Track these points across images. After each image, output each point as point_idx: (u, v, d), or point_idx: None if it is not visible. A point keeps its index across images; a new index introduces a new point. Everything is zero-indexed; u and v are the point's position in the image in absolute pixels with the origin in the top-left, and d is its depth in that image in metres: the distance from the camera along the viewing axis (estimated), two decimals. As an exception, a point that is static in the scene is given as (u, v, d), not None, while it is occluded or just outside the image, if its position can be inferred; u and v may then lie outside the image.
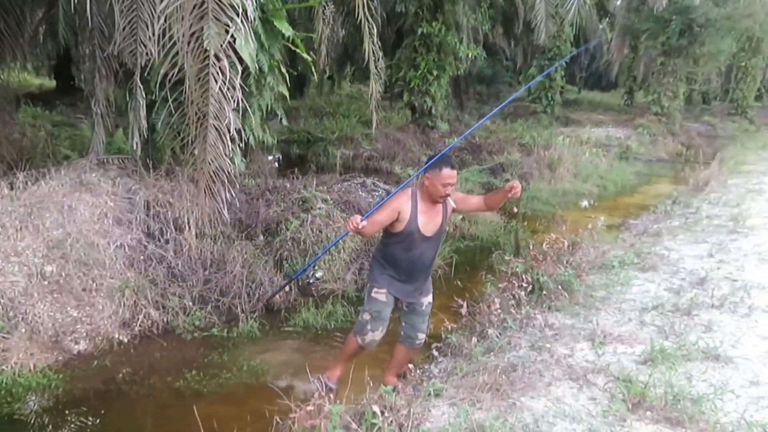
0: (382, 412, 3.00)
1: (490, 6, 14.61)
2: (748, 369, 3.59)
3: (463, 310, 4.62)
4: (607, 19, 23.88)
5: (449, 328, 4.37)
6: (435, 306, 5.08)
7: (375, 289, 3.59)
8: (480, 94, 26.46)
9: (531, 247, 5.83)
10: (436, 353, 4.10)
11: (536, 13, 13.85)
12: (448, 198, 3.48)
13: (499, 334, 4.20)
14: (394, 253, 3.56)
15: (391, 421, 2.96)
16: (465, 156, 12.08)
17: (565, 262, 5.42)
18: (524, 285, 4.84)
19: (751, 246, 6.35)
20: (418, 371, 3.93)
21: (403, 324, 3.75)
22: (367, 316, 3.59)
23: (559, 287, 4.84)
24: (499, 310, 4.45)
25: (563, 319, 4.44)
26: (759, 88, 28.45)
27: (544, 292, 4.84)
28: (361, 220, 3.24)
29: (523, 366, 3.60)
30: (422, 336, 3.75)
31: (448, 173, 3.39)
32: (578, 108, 24.52)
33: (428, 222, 3.49)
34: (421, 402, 3.28)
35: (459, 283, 5.75)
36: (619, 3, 22.49)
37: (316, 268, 3.56)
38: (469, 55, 13.44)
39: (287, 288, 5.32)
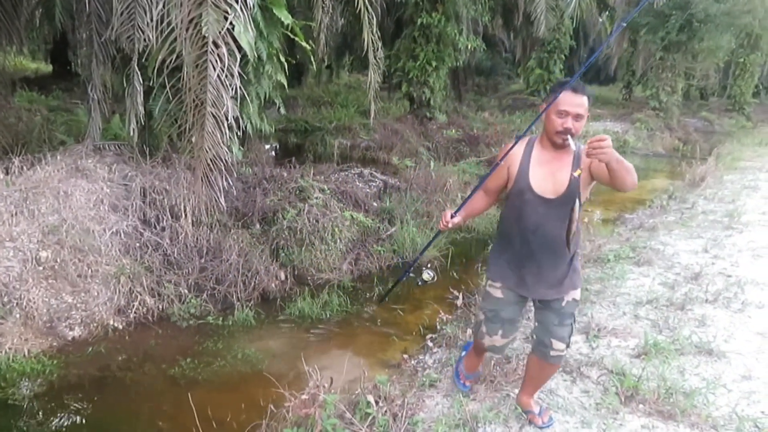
0: (377, 402, 3.02)
1: (490, -3, 14.53)
2: (741, 364, 3.62)
3: (459, 302, 4.64)
4: (607, 12, 23.76)
5: (444, 319, 4.38)
6: (430, 297, 5.15)
7: (489, 282, 2.85)
8: (479, 86, 26.41)
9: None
10: (430, 344, 4.13)
11: (536, 5, 13.81)
12: (573, 141, 2.47)
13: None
14: (506, 227, 2.76)
15: (386, 411, 2.97)
16: (462, 148, 12.06)
17: (560, 256, 5.42)
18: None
19: (745, 242, 6.38)
20: (412, 361, 3.95)
21: (535, 325, 2.85)
22: (481, 316, 2.90)
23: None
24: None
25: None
26: (757, 84, 28.43)
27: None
28: (452, 216, 2.71)
29: (517, 358, 3.62)
30: (560, 345, 2.72)
31: (569, 98, 2.44)
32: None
33: (546, 177, 2.56)
34: (415, 392, 3.29)
35: (455, 274, 5.76)
36: (619, -4, 22.37)
37: (424, 269, 3.10)
38: (469, 47, 13.39)
39: (283, 277, 5.32)
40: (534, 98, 19.96)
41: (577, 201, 2.42)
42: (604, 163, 2.24)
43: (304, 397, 2.97)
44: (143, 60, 5.41)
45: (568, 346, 2.75)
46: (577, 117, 2.44)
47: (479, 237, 7.11)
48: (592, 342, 3.89)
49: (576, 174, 2.47)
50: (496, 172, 2.69)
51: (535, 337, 2.84)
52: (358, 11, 7.60)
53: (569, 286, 2.68)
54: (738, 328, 4.16)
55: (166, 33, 4.85)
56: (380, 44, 8.04)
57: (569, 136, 2.44)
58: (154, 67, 5.06)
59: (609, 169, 2.25)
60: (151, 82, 5.40)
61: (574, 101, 2.44)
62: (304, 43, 6.42)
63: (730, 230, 6.89)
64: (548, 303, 2.71)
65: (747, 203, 8.37)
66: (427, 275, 3.04)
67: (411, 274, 3.03)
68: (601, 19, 25.28)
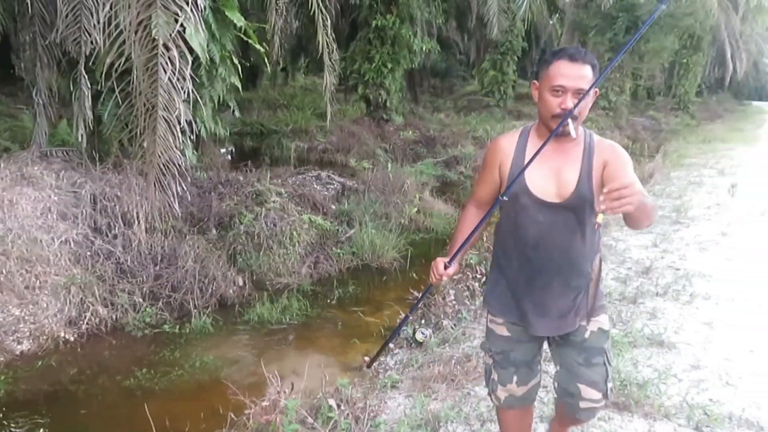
0: (339, 406, 3.01)
1: (443, 0, 14.69)
2: (690, 354, 3.75)
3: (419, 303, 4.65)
4: (557, 15, 24.34)
5: (405, 320, 4.39)
6: (390, 298, 5.16)
7: (489, 317, 2.19)
8: (434, 88, 26.62)
9: (485, 239, 5.91)
10: (391, 345, 4.13)
11: (489, 7, 14.01)
12: (574, 126, 1.85)
13: (454, 325, 4.25)
14: (500, 245, 2.13)
15: (348, 414, 2.96)
16: (419, 149, 12.15)
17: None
18: (478, 276, 4.92)
19: (692, 236, 6.62)
20: (374, 363, 3.94)
21: (557, 369, 2.19)
22: (488, 360, 2.20)
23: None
24: (454, 302, 4.51)
25: (516, 310, 4.52)
26: (699, 84, 29.61)
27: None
28: (446, 267, 2.00)
29: (477, 356, 3.65)
30: (592, 393, 2.05)
31: (565, 68, 1.83)
32: (530, 102, 24.90)
33: (548, 176, 1.93)
34: (377, 394, 3.30)
35: (414, 275, 5.79)
36: (568, 0, 22.95)
37: (418, 328, 2.29)
38: (423, 49, 13.49)
39: (241, 282, 5.25)
40: (489, 99, 20.25)
41: (590, 204, 1.91)
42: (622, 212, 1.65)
43: (264, 403, 2.93)
44: (91, 63, 5.26)
45: (606, 396, 2.07)
46: (578, 93, 1.82)
47: (438, 237, 7.16)
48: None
49: (597, 220, 1.85)
50: (485, 174, 2.10)
51: (557, 384, 2.17)
52: (312, 13, 7.57)
53: (590, 312, 2.02)
54: (686, 319, 4.31)
55: (114, 35, 4.73)
56: (335, 46, 8.04)
57: (570, 120, 1.81)
58: (103, 71, 4.93)
59: (632, 214, 1.71)
60: (100, 85, 5.25)
61: (572, 72, 1.82)
62: (258, 46, 6.35)
63: (677, 225, 7.14)
64: (566, 336, 2.07)
65: (693, 198, 8.70)
66: (420, 335, 2.31)
67: (404, 331, 2.38)
68: (551, 21, 25.87)
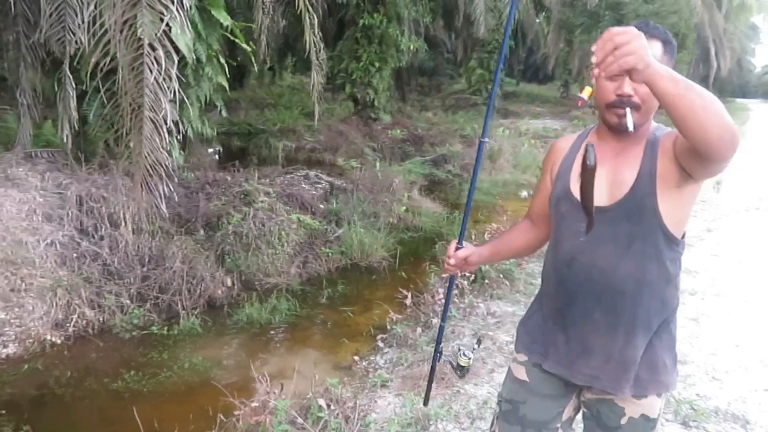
0: (328, 405, 3.00)
1: (430, -1, 14.72)
2: (677, 349, 3.78)
3: (408, 301, 4.67)
4: (544, 13, 24.46)
5: (394, 319, 4.40)
6: (380, 298, 5.16)
7: (513, 356, 1.78)
8: (422, 86, 26.68)
9: (473, 236, 5.93)
10: (381, 344, 4.14)
11: (476, 6, 14.07)
12: (632, 118, 1.41)
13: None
14: (545, 261, 1.72)
15: (338, 414, 2.96)
16: (407, 148, 12.17)
17: (506, 252, 5.53)
18: (467, 274, 4.93)
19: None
20: (363, 362, 3.95)
21: None
22: (496, 408, 1.80)
23: (501, 276, 4.96)
24: (443, 300, 4.51)
25: (505, 307, 4.55)
26: (685, 81, 29.85)
27: (486, 281, 4.93)
28: (457, 248, 1.77)
29: (482, 360, 3.67)
30: None
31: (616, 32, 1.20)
32: (517, 100, 25.09)
33: (601, 178, 1.44)
34: (367, 393, 3.30)
35: (403, 274, 5.79)
36: (554, -2, 23.07)
37: (460, 350, 1.87)
38: (411, 48, 13.52)
39: (230, 283, 5.23)
40: (476, 97, 20.33)
41: (652, 212, 1.44)
42: (636, 81, 1.20)
43: (254, 404, 2.92)
44: (75, 63, 5.21)
45: None
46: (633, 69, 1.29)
47: (426, 236, 7.17)
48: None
49: (582, 94, 1.34)
50: (539, 182, 1.77)
51: None
52: (299, 12, 7.54)
53: (645, 381, 1.52)
54: (674, 315, 4.34)
55: (99, 35, 4.68)
56: (323, 45, 8.01)
57: (628, 110, 1.42)
58: (88, 71, 4.88)
59: (658, 97, 1.20)
60: (85, 86, 5.21)
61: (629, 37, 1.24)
62: (244, 45, 6.33)
63: (664, 222, 7.19)
64: (598, 407, 1.59)
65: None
66: (464, 359, 1.88)
67: (446, 358, 1.93)
68: (538, 20, 26.00)
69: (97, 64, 4.68)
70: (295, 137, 12.82)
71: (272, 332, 4.68)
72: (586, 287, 1.52)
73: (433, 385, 3.28)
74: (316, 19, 7.74)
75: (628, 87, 1.42)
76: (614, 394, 1.52)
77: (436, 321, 4.27)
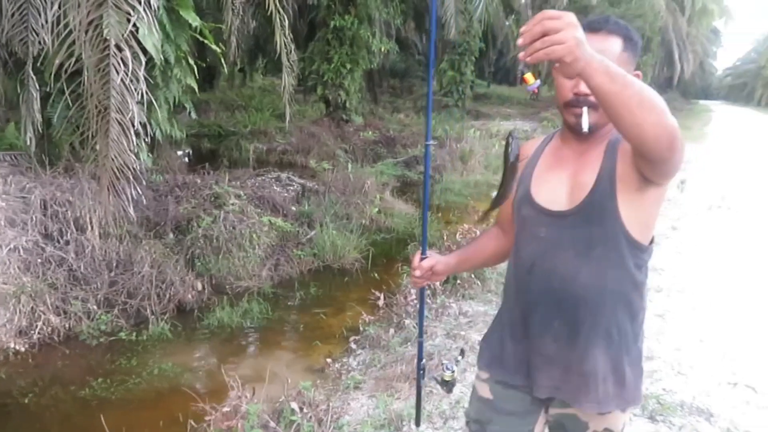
0: (301, 409, 2.99)
1: (401, 1, 14.76)
2: (644, 345, 3.85)
3: (381, 302, 4.68)
4: (513, 16, 24.73)
5: (367, 320, 4.40)
6: (352, 299, 5.16)
7: (476, 371, 1.71)
8: (393, 88, 26.74)
9: (445, 237, 5.97)
10: (354, 346, 4.14)
11: (446, 9, 14.14)
12: (588, 118, 1.37)
13: (416, 324, 4.28)
14: (507, 268, 1.66)
15: (310, 417, 2.95)
16: (380, 149, 12.18)
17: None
18: (439, 275, 4.95)
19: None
20: (336, 365, 3.94)
21: None
22: (465, 428, 1.73)
23: (472, 276, 5.00)
24: (415, 301, 4.53)
25: (476, 307, 4.59)
26: (650, 83, 30.46)
27: (458, 282, 4.97)
28: (421, 259, 1.68)
29: (439, 354, 3.69)
30: None
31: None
32: (488, 102, 25.34)
33: (561, 182, 1.46)
34: (340, 395, 3.29)
35: (376, 275, 5.79)
36: (523, 1, 23.36)
37: (445, 364, 1.75)
38: (382, 49, 13.54)
39: (200, 287, 5.17)
40: (447, 99, 20.44)
41: (612, 216, 1.37)
42: (566, 75, 1.13)
43: (225, 409, 2.90)
44: (39, 64, 5.09)
45: None
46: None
47: (399, 237, 7.19)
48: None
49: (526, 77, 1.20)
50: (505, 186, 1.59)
51: None
52: (269, 13, 7.49)
53: (608, 395, 1.44)
54: (641, 312, 4.43)
55: (63, 35, 4.59)
56: (294, 47, 7.97)
57: (585, 110, 1.37)
58: (52, 72, 4.77)
59: (592, 93, 1.12)
60: (49, 87, 5.08)
61: (590, 45, 1.13)
62: (214, 46, 6.26)
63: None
64: (563, 421, 1.54)
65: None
66: (449, 373, 1.78)
67: (430, 375, 1.96)
68: (507, 23, 26.27)
69: (61, 65, 4.58)
70: (267, 139, 12.73)
71: (244, 336, 4.64)
72: (546, 294, 1.46)
73: (406, 385, 3.30)
74: (286, 21, 7.70)
75: (584, 85, 1.29)
76: (575, 407, 1.46)
77: (408, 321, 4.28)
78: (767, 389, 3.32)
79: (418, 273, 1.67)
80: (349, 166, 9.42)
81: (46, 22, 4.72)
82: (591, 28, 1.38)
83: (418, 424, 2.07)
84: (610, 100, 1.10)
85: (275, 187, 7.65)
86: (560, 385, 1.47)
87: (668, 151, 1.18)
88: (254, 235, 5.84)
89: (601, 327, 1.42)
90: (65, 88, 4.86)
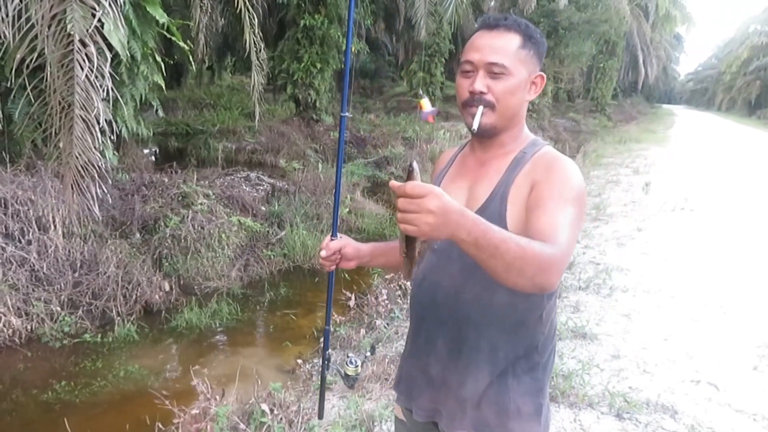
0: (271, 410, 2.96)
1: (371, 1, 14.76)
2: (611, 344, 3.94)
3: (351, 303, 4.66)
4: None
5: (338, 321, 4.39)
6: (323, 300, 5.11)
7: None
8: (363, 88, 26.71)
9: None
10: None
11: (416, 10, 14.18)
12: (480, 117, 1.30)
13: (387, 324, 4.28)
14: None
15: (281, 419, 2.93)
16: (350, 149, 12.15)
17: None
18: (410, 275, 4.96)
19: (611, 232, 6.96)
20: (307, 366, 3.91)
21: None
22: None
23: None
24: (387, 301, 4.54)
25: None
26: (615, 87, 31.25)
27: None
28: (331, 238, 1.61)
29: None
30: None
31: (479, 38, 1.33)
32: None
33: (460, 192, 1.40)
34: (310, 396, 3.27)
35: (346, 276, 5.77)
36: (492, 4, 23.58)
37: (348, 358, 1.66)
38: (352, 50, 13.52)
39: (168, 288, 5.08)
40: (417, 100, 20.51)
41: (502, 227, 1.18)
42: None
43: (194, 411, 2.85)
44: (-1, 59, 4.93)
45: None
46: (493, 69, 1.28)
47: (370, 237, 7.19)
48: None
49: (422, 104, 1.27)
50: None
51: None
52: (238, 11, 7.42)
53: (488, 425, 1.32)
54: (607, 311, 4.52)
55: (25, 30, 4.45)
56: (263, 45, 7.90)
57: (480, 108, 1.29)
58: (12, 67, 4.62)
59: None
60: (10, 82, 4.93)
61: (486, 42, 1.29)
62: (181, 43, 6.16)
63: (597, 222, 7.48)
64: None
65: (611, 196, 9.15)
66: (351, 368, 1.70)
67: (334, 366, 1.77)
68: (477, 25, 26.48)
69: (23, 60, 4.45)
70: (236, 138, 12.59)
71: (213, 337, 4.58)
72: (431, 310, 1.39)
73: (377, 386, 3.30)
74: (256, 19, 7.64)
75: (479, 83, 1.29)
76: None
77: (380, 322, 4.28)
78: (729, 387, 3.41)
79: (323, 253, 1.57)
80: (320, 166, 9.37)
81: (7, 15, 4.57)
82: (487, 24, 1.33)
83: (320, 416, 1.96)
84: (476, 261, 1.06)
85: (244, 187, 7.57)
86: (440, 408, 1.38)
87: (537, 291, 1.11)
88: (223, 235, 5.77)
89: (483, 350, 1.31)
90: (27, 84, 4.72)
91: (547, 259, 1.07)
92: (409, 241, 1.08)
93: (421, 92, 1.20)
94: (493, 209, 1.29)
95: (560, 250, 1.11)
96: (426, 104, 1.25)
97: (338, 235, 1.63)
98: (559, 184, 1.24)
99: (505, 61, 1.28)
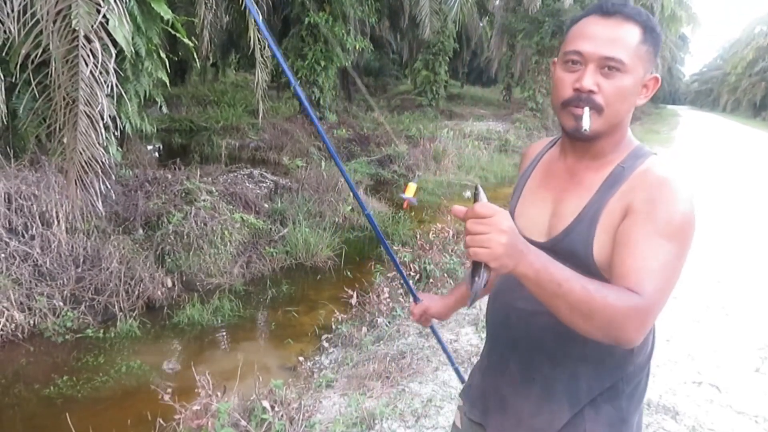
0: (272, 407, 2.97)
1: (376, -1, 14.75)
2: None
3: (353, 301, 4.67)
4: (487, 17, 24.93)
5: (339, 318, 4.39)
6: (325, 297, 5.14)
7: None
8: (368, 86, 26.69)
9: (418, 236, 5.99)
10: (326, 344, 4.12)
11: (421, 8, 14.20)
12: (589, 121, 1.09)
13: (389, 322, 4.29)
14: None
15: (282, 416, 2.93)
16: (353, 147, 12.16)
17: (450, 251, 5.62)
18: (412, 274, 4.97)
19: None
20: (308, 363, 3.92)
21: None
22: None
23: (445, 275, 5.02)
24: (388, 299, 4.54)
25: (449, 306, 4.61)
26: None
27: (431, 280, 4.99)
28: (415, 303, 1.66)
29: (411, 353, 3.70)
30: None
31: (591, 27, 1.12)
32: (461, 102, 25.47)
33: (545, 204, 1.24)
34: (312, 394, 3.28)
35: (349, 273, 5.78)
36: (498, 3, 23.55)
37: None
38: (356, 47, 13.51)
39: (170, 284, 5.09)
40: (421, 98, 20.51)
41: (586, 261, 1.11)
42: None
43: (195, 407, 2.85)
44: (4, 54, 4.94)
45: None
46: (608, 64, 1.09)
47: (372, 235, 7.19)
48: (482, 333, 4.06)
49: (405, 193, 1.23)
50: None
51: None
52: (243, 8, 7.42)
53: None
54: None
55: (30, 25, 4.46)
56: (267, 43, 7.90)
57: (586, 110, 1.10)
58: (17, 62, 4.64)
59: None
60: (14, 78, 4.95)
61: (600, 32, 1.10)
62: (186, 40, 6.17)
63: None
64: None
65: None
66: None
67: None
68: (481, 24, 26.46)
69: (27, 55, 4.46)
70: (239, 135, 12.60)
71: (214, 334, 4.59)
72: (504, 331, 1.29)
73: (378, 384, 3.30)
74: (260, 16, 7.63)
75: (588, 79, 1.09)
76: None
77: (381, 320, 4.29)
78: (731, 388, 3.41)
79: (413, 319, 1.66)
80: (323, 163, 9.37)
81: (12, 11, 4.58)
82: (603, 11, 1.12)
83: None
84: (543, 302, 0.98)
85: (247, 184, 7.58)
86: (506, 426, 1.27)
87: (614, 344, 1.01)
88: (226, 232, 5.78)
89: (559, 379, 1.19)
90: (32, 79, 4.73)
91: (623, 311, 0.95)
92: (475, 267, 0.97)
93: (415, 178, 1.05)
94: (579, 234, 1.12)
95: (646, 303, 0.97)
96: (411, 189, 1.18)
97: (419, 297, 1.65)
98: (658, 216, 1.04)
99: (623, 56, 1.08)
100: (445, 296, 1.63)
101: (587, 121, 1.09)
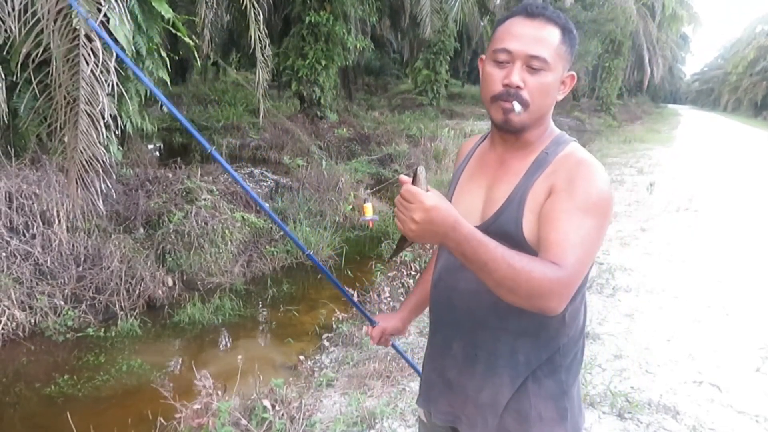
0: (273, 406, 2.97)
1: (377, -2, 14.73)
2: (613, 344, 3.93)
3: (354, 300, 4.66)
4: (488, 17, 24.91)
5: (340, 318, 4.39)
6: (325, 297, 5.14)
7: None
8: (368, 86, 26.70)
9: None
10: (327, 343, 4.12)
11: (422, 7, 14.17)
12: (520, 110, 1.20)
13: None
14: None
15: (282, 415, 2.93)
16: (354, 147, 12.16)
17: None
18: (412, 273, 4.97)
19: (614, 232, 6.94)
20: (309, 362, 3.92)
21: None
22: None
23: (446, 274, 5.01)
24: (389, 299, 4.54)
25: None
26: (620, 87, 31.12)
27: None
28: (372, 327, 1.74)
29: (412, 351, 3.70)
30: None
31: (517, 26, 1.22)
32: (462, 101, 25.47)
33: (480, 191, 1.33)
34: (312, 393, 3.28)
35: (349, 272, 5.78)
36: (498, 2, 23.52)
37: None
38: (357, 47, 13.50)
39: (171, 283, 5.09)
40: (422, 98, 20.49)
41: (517, 241, 1.19)
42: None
43: (196, 406, 2.85)
44: (4, 53, 4.94)
45: None
46: (533, 62, 1.18)
47: (373, 235, 7.19)
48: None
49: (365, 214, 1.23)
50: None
51: None
52: (243, 7, 7.41)
53: (509, 431, 1.27)
54: (610, 311, 4.51)
55: (31, 24, 4.46)
56: (268, 42, 7.90)
57: (515, 104, 1.19)
58: (18, 61, 4.64)
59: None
60: (15, 77, 4.95)
61: (526, 31, 1.19)
62: (187, 39, 6.16)
63: (601, 221, 7.46)
64: None
65: (615, 196, 9.09)
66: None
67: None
68: (482, 23, 26.41)
69: (28, 54, 4.46)
70: (240, 134, 12.60)
71: (215, 333, 4.59)
72: (447, 312, 1.35)
73: (379, 383, 3.30)
74: (261, 15, 7.63)
75: (516, 76, 1.18)
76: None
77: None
78: (731, 388, 3.41)
79: (372, 343, 1.74)
80: (323, 163, 9.37)
81: (13, 9, 4.58)
82: (527, 13, 1.22)
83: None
84: (475, 273, 1.07)
85: (248, 183, 7.58)
86: (459, 414, 1.34)
87: (538, 312, 1.09)
88: (226, 231, 5.78)
89: (501, 354, 1.27)
90: (32, 78, 4.73)
91: (545, 283, 1.03)
92: (402, 237, 1.13)
93: (366, 197, 1.15)
94: (509, 215, 1.22)
95: (566, 274, 1.06)
96: (368, 210, 1.26)
97: (375, 321, 1.74)
98: (577, 193, 1.15)
99: (547, 55, 1.19)
100: (399, 311, 1.71)
101: (518, 107, 1.20)
